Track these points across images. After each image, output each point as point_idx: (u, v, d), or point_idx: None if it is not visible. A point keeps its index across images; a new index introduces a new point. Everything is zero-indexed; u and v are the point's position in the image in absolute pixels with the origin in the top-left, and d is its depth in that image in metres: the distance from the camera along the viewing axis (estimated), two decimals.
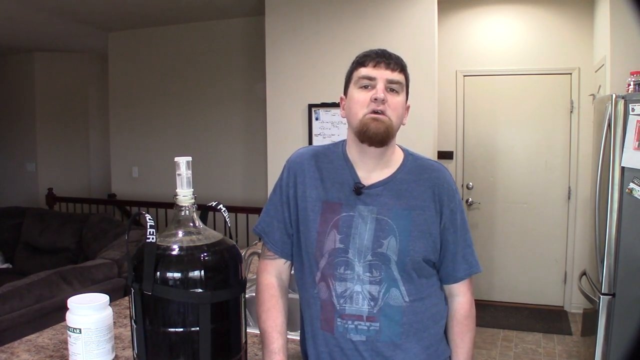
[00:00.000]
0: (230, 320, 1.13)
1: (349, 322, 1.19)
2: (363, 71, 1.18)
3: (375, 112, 1.16)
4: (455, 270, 1.27)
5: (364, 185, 1.21)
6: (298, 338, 1.38)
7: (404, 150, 1.30)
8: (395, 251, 1.18)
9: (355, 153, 1.24)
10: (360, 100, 1.18)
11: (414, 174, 1.24)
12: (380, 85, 1.16)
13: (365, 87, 1.18)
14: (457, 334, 1.29)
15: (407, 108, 1.25)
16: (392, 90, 1.18)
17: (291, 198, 1.28)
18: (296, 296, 1.48)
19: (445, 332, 1.30)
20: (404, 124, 1.24)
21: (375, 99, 1.15)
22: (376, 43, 1.29)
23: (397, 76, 1.18)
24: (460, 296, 1.30)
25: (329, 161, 1.27)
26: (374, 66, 1.17)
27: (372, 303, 1.18)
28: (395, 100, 1.18)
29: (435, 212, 1.22)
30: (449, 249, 1.25)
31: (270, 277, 1.30)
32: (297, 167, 1.29)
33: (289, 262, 1.32)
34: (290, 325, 1.31)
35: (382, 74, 1.17)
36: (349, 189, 1.22)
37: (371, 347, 1.18)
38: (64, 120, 6.18)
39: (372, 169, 1.23)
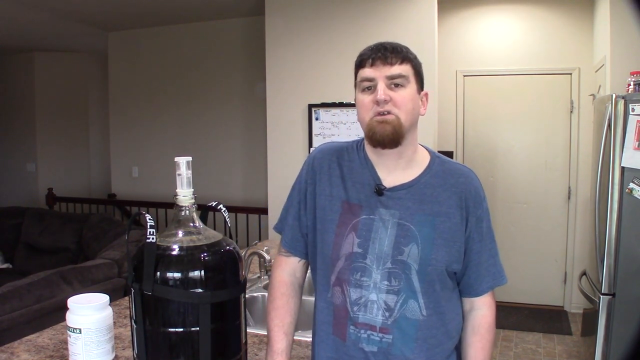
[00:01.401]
0: (230, 320, 1.13)
1: (362, 331, 1.14)
2: (363, 73, 1.13)
3: (380, 114, 1.10)
4: (478, 283, 1.20)
5: (386, 187, 1.15)
6: (304, 339, 1.37)
7: (430, 152, 1.23)
8: (416, 260, 1.11)
9: (373, 154, 1.19)
10: (365, 104, 1.12)
11: (440, 178, 1.17)
12: (381, 85, 1.10)
13: (368, 88, 1.12)
14: (479, 349, 1.21)
15: (425, 95, 1.18)
16: (396, 85, 1.11)
17: (309, 195, 1.23)
18: (311, 298, 1.47)
19: (461, 344, 1.24)
20: (422, 114, 1.17)
21: (377, 101, 1.10)
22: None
23: (397, 69, 1.10)
24: (484, 309, 1.23)
25: (350, 160, 1.21)
26: (372, 65, 1.11)
27: (387, 314, 1.12)
28: (401, 95, 1.11)
29: (461, 220, 1.15)
30: (473, 259, 1.18)
31: (283, 273, 1.28)
32: (318, 163, 1.24)
33: (303, 261, 1.28)
34: (300, 325, 1.29)
35: (381, 72, 1.10)
36: (370, 191, 1.16)
37: (382, 358, 1.14)
38: (64, 120, 6.18)
39: (393, 169, 1.17)
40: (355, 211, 1.16)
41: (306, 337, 1.48)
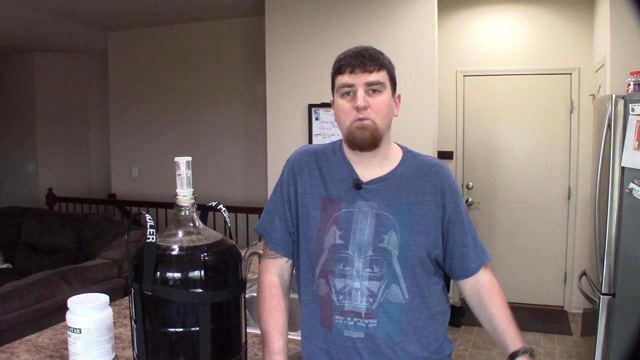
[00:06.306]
0: (230, 320, 1.13)
1: (348, 318, 1.19)
2: (342, 79, 1.19)
3: (359, 119, 1.17)
4: (468, 263, 1.27)
5: (363, 181, 1.22)
6: (299, 338, 1.38)
7: (403, 148, 1.30)
8: (396, 246, 1.18)
9: (350, 153, 1.25)
10: (345, 110, 1.19)
11: (414, 169, 1.24)
12: (360, 92, 1.16)
13: (347, 93, 1.18)
14: (502, 305, 1.27)
15: (398, 97, 1.25)
16: (374, 91, 1.18)
17: (292, 196, 1.28)
18: (297, 296, 1.48)
19: (478, 308, 1.29)
20: (396, 115, 1.25)
21: (357, 108, 1.16)
22: (376, 43, 1.28)
23: (376, 76, 1.17)
24: (488, 274, 1.30)
25: (327, 159, 1.28)
26: (351, 72, 1.17)
27: (370, 299, 1.18)
28: (379, 100, 1.18)
29: (437, 206, 1.22)
30: (458, 242, 1.25)
31: (272, 276, 1.30)
32: (297, 165, 1.30)
33: (290, 261, 1.32)
34: (291, 326, 1.31)
35: (361, 79, 1.16)
36: (349, 186, 1.22)
37: (369, 344, 1.19)
38: (64, 120, 6.18)
39: (369, 165, 1.23)
40: (335, 205, 1.22)
41: (298, 336, 1.49)
